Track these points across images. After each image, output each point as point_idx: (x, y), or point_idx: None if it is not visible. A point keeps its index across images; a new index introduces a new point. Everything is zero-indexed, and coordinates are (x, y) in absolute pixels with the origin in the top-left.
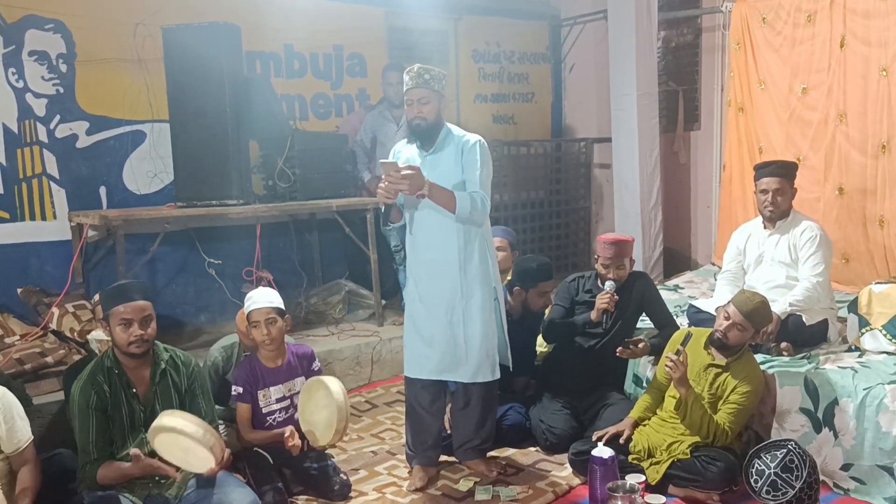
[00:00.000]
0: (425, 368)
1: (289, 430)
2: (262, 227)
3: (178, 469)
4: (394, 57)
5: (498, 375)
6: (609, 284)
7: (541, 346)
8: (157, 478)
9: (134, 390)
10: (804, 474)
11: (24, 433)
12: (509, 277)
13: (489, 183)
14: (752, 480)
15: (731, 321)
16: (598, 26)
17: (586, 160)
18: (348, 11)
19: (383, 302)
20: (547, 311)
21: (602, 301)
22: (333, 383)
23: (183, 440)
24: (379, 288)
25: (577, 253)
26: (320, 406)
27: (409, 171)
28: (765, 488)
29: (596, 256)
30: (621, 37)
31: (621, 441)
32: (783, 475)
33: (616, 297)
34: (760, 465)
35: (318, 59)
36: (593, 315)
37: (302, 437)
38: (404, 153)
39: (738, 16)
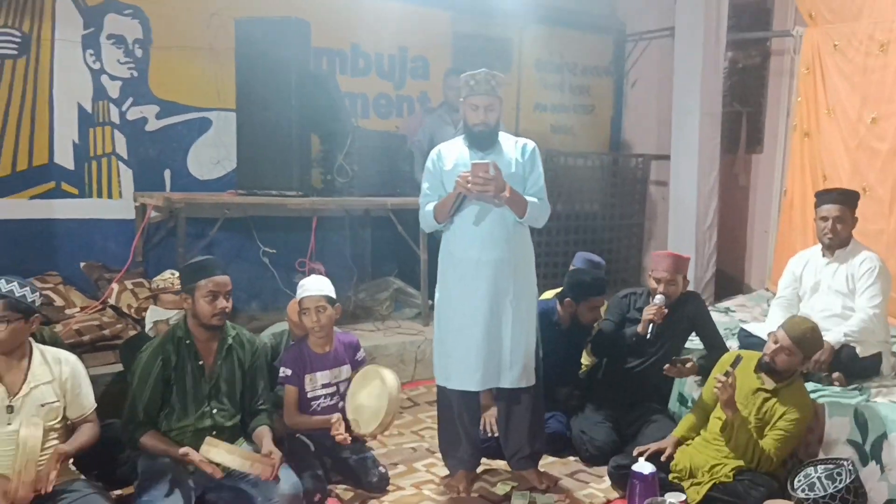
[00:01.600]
0: (470, 380)
1: (336, 416)
2: (317, 220)
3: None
4: (457, 62)
5: (534, 379)
6: (659, 298)
7: (585, 359)
8: None
9: (201, 363)
10: (843, 485)
11: (89, 400)
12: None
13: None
14: (795, 481)
15: (779, 345)
16: (664, 43)
17: (642, 176)
18: (415, 14)
19: (430, 302)
20: (595, 326)
21: (649, 312)
22: (389, 376)
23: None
24: (427, 287)
25: (628, 269)
26: (373, 395)
27: (494, 175)
28: (803, 487)
29: (649, 273)
30: (687, 55)
31: (662, 458)
32: (825, 481)
33: (665, 310)
34: (809, 471)
35: (382, 59)
36: (639, 327)
37: (346, 426)
38: (452, 153)
39: (809, 41)
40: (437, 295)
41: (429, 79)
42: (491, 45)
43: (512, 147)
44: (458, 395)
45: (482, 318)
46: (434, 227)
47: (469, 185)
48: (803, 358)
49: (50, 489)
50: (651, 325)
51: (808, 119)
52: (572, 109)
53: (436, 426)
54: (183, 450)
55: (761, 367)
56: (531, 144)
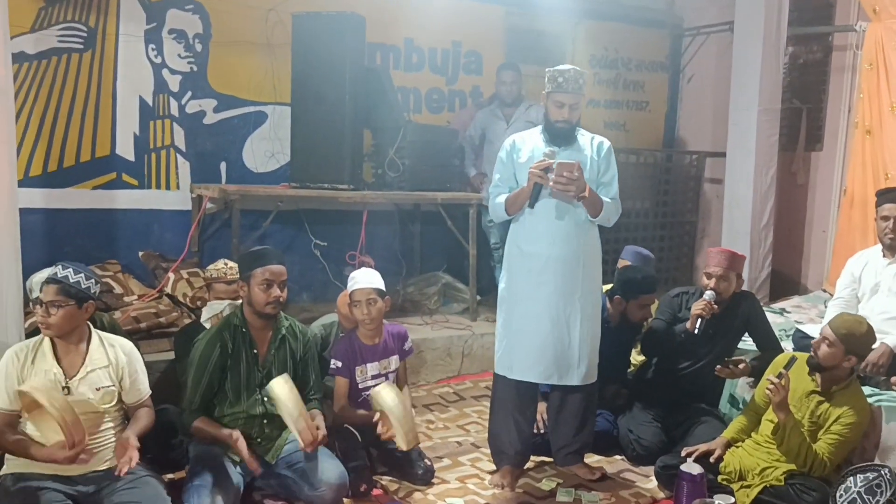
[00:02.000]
0: (532, 371)
1: (378, 415)
2: (368, 214)
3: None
4: (510, 56)
5: (595, 377)
6: (709, 294)
7: (635, 359)
8: (257, 439)
9: (255, 351)
10: (885, 499)
11: (145, 386)
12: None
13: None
14: (837, 495)
15: (822, 336)
16: (723, 38)
17: (697, 174)
18: (469, 9)
19: (478, 297)
20: (645, 325)
21: (698, 307)
22: (387, 396)
23: (284, 411)
24: (475, 283)
25: (679, 268)
26: (389, 417)
27: (578, 176)
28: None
29: (704, 273)
30: (747, 50)
31: (711, 460)
32: (865, 496)
33: (714, 306)
34: (849, 484)
35: (436, 53)
36: (688, 323)
37: None
38: (527, 144)
39: (872, 35)
40: (501, 286)
41: (482, 74)
42: (544, 39)
43: (588, 144)
44: (515, 386)
45: (548, 313)
46: (504, 218)
47: (552, 183)
48: (846, 352)
49: (125, 471)
50: (700, 321)
51: (871, 116)
52: (626, 106)
53: (481, 421)
54: (234, 434)
55: (809, 364)
56: (607, 143)
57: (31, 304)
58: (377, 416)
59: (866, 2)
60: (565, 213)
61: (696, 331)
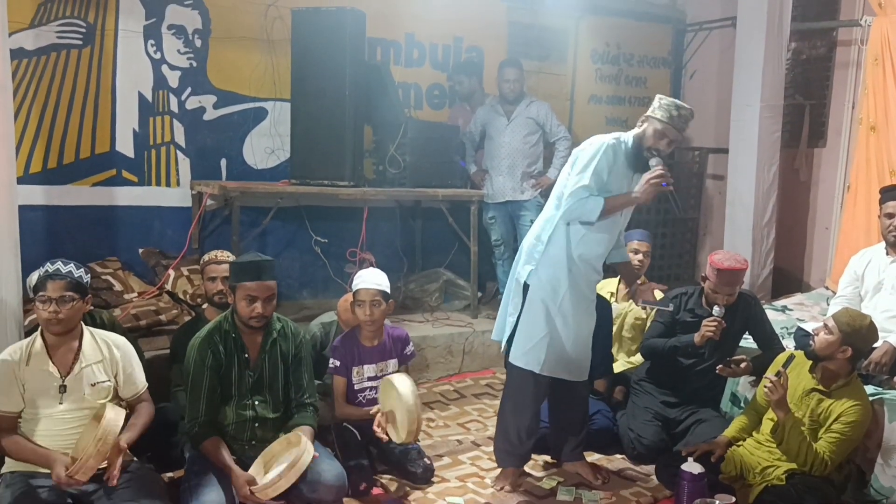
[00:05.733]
0: (563, 368)
1: (377, 408)
2: (368, 210)
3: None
4: (512, 52)
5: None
6: (717, 310)
7: (631, 361)
8: (251, 441)
9: (246, 355)
10: None
11: (141, 380)
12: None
13: None
14: None
15: (823, 324)
16: (725, 33)
17: (699, 170)
18: (471, 4)
19: (479, 294)
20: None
21: (709, 329)
22: (403, 384)
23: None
24: (476, 280)
25: (682, 265)
26: (395, 406)
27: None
28: None
29: (703, 276)
30: (749, 45)
31: (712, 459)
32: None
33: (724, 324)
34: None
35: (437, 49)
36: (697, 339)
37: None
38: (623, 160)
39: (877, 30)
40: (541, 282)
41: (483, 69)
42: (546, 35)
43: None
44: (539, 381)
45: (573, 314)
46: (595, 220)
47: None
48: (843, 343)
49: (115, 483)
50: (709, 341)
51: (875, 112)
52: (628, 101)
53: (482, 419)
54: (247, 479)
55: (805, 354)
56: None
57: (34, 301)
58: (375, 409)
59: None
60: (621, 223)
61: (705, 352)
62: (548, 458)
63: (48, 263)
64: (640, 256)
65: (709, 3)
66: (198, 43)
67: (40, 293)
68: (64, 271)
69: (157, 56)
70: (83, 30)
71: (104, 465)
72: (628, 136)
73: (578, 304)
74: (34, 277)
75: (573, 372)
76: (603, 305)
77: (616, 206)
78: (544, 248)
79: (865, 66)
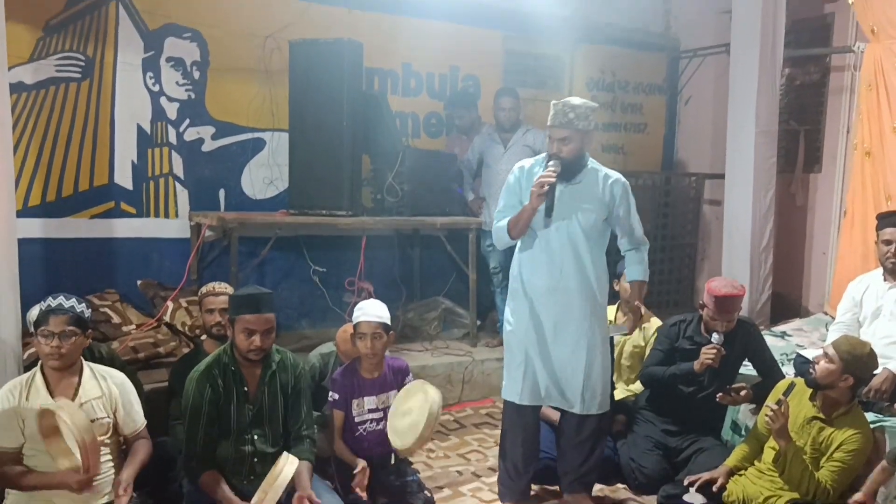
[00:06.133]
0: (543, 395)
1: (362, 465)
2: (366, 239)
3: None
4: (508, 81)
5: (608, 406)
6: (716, 338)
7: (630, 389)
8: (249, 476)
9: (245, 388)
10: None
11: (139, 416)
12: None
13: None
14: None
15: (822, 353)
16: (719, 60)
17: (696, 195)
18: (467, 34)
19: (478, 322)
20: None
21: (708, 357)
22: (432, 390)
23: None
24: (475, 308)
25: (680, 290)
26: (414, 408)
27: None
28: None
29: (701, 303)
30: (743, 72)
31: (714, 488)
32: None
33: (723, 351)
34: None
35: (434, 78)
36: (696, 366)
37: (388, 453)
38: (535, 171)
39: (870, 56)
40: (505, 313)
41: (480, 98)
42: (542, 63)
43: (599, 181)
44: (527, 412)
45: (566, 343)
46: (508, 243)
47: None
48: (844, 371)
49: None
50: (708, 369)
51: (870, 137)
52: (624, 128)
53: (483, 450)
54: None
55: (806, 382)
56: (622, 182)
57: (35, 335)
58: (361, 466)
59: (865, 22)
60: (565, 243)
61: (705, 381)
62: (549, 487)
63: (50, 298)
64: (626, 285)
65: (702, 31)
66: (196, 75)
67: (42, 327)
68: (66, 306)
69: (156, 88)
70: (82, 63)
71: (104, 500)
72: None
73: (549, 332)
74: (34, 312)
75: (562, 400)
76: None
77: (521, 220)
78: (510, 280)
79: (859, 92)
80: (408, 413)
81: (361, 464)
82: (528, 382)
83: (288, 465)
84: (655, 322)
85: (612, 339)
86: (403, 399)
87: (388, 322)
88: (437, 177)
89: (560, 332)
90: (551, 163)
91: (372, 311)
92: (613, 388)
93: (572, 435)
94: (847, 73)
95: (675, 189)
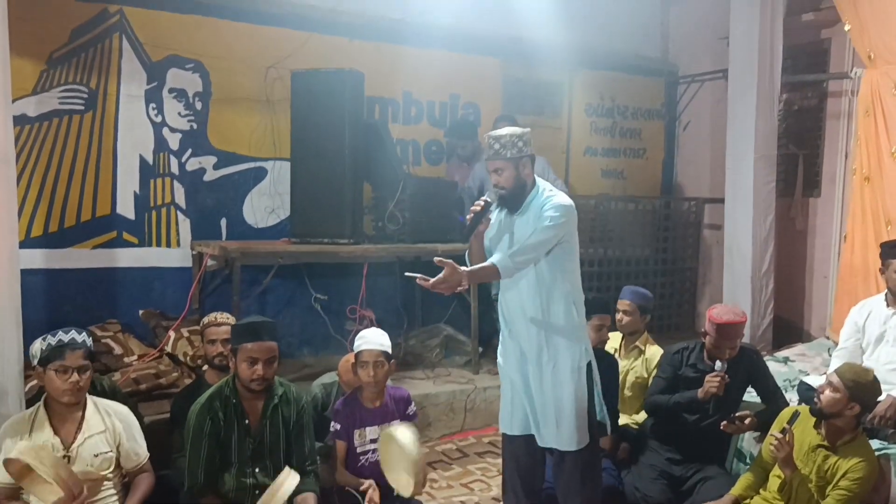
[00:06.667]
0: (516, 424)
1: (369, 483)
2: (368, 267)
3: None
4: (507, 107)
5: (587, 440)
6: (720, 365)
7: (634, 419)
8: None
9: (247, 421)
10: None
11: (143, 450)
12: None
13: (544, 238)
14: None
15: (827, 381)
16: (717, 85)
17: (696, 220)
18: (466, 62)
19: (480, 349)
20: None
21: (712, 385)
22: (403, 434)
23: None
24: (477, 335)
25: (681, 314)
26: (397, 458)
27: (439, 278)
28: None
29: (703, 331)
30: (741, 97)
31: None
32: None
33: (727, 378)
34: None
35: (434, 106)
36: (700, 394)
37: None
38: (496, 214)
39: (868, 82)
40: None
41: (480, 124)
42: (541, 90)
43: (541, 206)
44: (513, 442)
45: (528, 373)
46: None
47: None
48: (850, 399)
49: None
50: (713, 397)
51: (869, 163)
52: (623, 153)
53: (486, 479)
54: None
55: (812, 412)
56: (556, 200)
57: (46, 368)
58: (367, 484)
59: (861, 48)
60: (514, 282)
61: (710, 409)
62: None
63: (60, 332)
64: (618, 315)
65: (700, 57)
66: (198, 105)
67: (57, 362)
68: (79, 340)
69: (158, 119)
70: (85, 95)
71: None
72: None
73: (521, 363)
74: (39, 346)
75: (541, 435)
76: (608, 362)
77: (470, 248)
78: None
79: (857, 117)
80: (396, 462)
81: (368, 482)
82: (516, 413)
83: (289, 480)
84: (657, 351)
85: (616, 366)
86: (384, 452)
87: (390, 350)
88: (438, 204)
89: (527, 364)
90: (486, 194)
91: (373, 338)
92: (618, 416)
93: (558, 470)
94: (844, 98)
95: (674, 213)
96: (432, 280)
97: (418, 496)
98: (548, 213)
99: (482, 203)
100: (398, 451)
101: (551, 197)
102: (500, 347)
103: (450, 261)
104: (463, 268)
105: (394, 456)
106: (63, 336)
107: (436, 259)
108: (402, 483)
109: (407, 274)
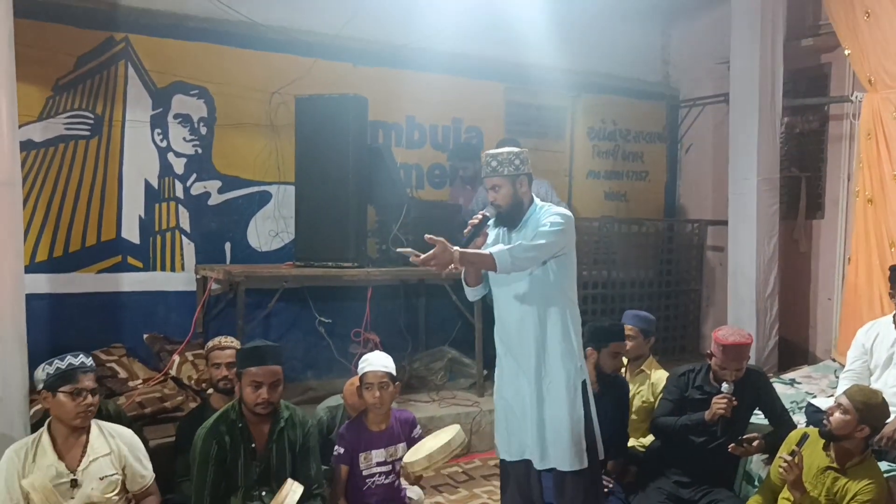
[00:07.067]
0: (514, 449)
1: None
2: (372, 290)
3: None
4: (510, 131)
5: (586, 464)
6: (726, 387)
7: (641, 442)
8: None
9: (253, 445)
10: None
11: (148, 473)
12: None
13: (545, 242)
14: None
15: (836, 403)
16: (718, 109)
17: (699, 242)
18: (469, 86)
19: (485, 371)
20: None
21: (720, 407)
22: (460, 431)
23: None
24: (482, 357)
25: (686, 336)
26: (433, 441)
27: (429, 254)
28: None
29: (709, 353)
30: (743, 121)
31: None
32: None
33: (735, 400)
34: None
35: (437, 130)
36: (707, 416)
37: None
38: (493, 230)
39: (868, 106)
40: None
41: (483, 148)
42: (544, 114)
43: (538, 222)
44: (504, 467)
45: (524, 394)
46: (472, 295)
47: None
48: (860, 421)
49: None
50: (721, 418)
51: (871, 185)
52: (626, 176)
53: (492, 502)
54: None
55: (821, 434)
56: (551, 212)
57: (56, 392)
58: None
59: (862, 73)
60: (512, 293)
61: (718, 431)
62: None
63: (69, 357)
64: (628, 344)
65: (701, 81)
66: (203, 130)
67: (70, 385)
68: (88, 364)
69: (164, 144)
70: (91, 121)
71: None
72: None
73: (513, 384)
74: (44, 370)
75: (539, 456)
76: (618, 385)
77: (467, 270)
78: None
79: (859, 140)
80: (431, 440)
81: None
82: (513, 438)
83: (293, 492)
84: (663, 375)
85: (628, 390)
86: (434, 434)
87: (394, 372)
88: (441, 227)
89: (524, 381)
90: (485, 209)
91: (377, 361)
92: (627, 440)
93: (559, 493)
94: (846, 121)
95: (677, 235)
96: (423, 256)
97: (415, 475)
98: (549, 219)
99: (480, 217)
100: (443, 436)
101: (550, 209)
102: (496, 369)
103: (441, 238)
104: (455, 247)
105: (440, 437)
106: (73, 360)
107: (426, 236)
108: (416, 449)
109: (398, 249)
